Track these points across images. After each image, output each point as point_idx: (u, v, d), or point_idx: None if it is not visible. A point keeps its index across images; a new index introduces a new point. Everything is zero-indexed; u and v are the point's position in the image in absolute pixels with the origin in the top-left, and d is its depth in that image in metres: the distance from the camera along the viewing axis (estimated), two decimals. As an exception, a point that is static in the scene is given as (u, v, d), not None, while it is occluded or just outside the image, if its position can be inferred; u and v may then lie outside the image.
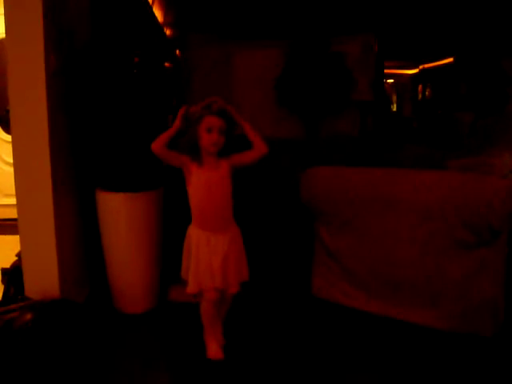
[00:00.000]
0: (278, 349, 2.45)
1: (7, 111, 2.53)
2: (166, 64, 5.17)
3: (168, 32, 6.37)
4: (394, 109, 12.83)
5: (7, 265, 2.85)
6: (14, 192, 2.58)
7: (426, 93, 10.57)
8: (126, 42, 2.72)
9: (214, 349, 2.33)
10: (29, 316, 2.29)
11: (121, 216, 2.73)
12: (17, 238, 2.60)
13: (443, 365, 2.28)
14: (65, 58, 2.73)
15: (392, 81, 12.59)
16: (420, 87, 10.91)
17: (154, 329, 2.69)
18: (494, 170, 2.74)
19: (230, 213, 2.26)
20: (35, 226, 2.59)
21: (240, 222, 2.32)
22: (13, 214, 2.68)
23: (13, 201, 2.66)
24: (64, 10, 2.73)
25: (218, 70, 6.60)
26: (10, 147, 2.57)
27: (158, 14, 5.45)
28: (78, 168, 2.95)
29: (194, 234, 2.24)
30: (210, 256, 2.17)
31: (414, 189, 2.52)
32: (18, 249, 2.69)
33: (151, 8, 4.95)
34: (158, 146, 2.15)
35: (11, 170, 2.57)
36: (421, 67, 10.80)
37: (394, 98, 13.01)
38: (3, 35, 2.50)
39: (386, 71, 9.05)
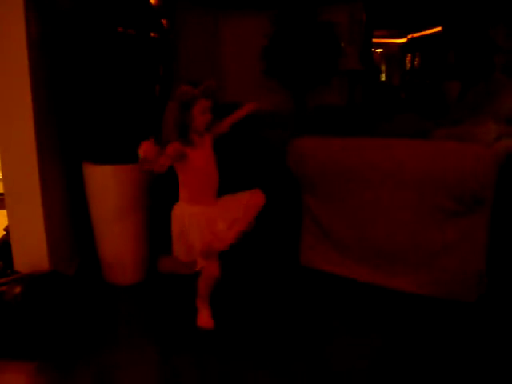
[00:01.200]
0: (265, 317, 2.50)
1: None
2: (152, 34, 5.07)
3: (153, 0, 6.22)
4: (383, 78, 12.75)
5: (-5, 239, 2.85)
6: (-1, 167, 2.57)
7: (415, 62, 10.50)
8: (109, 11, 2.66)
9: (206, 317, 2.38)
10: (18, 289, 2.30)
11: (108, 188, 2.73)
12: (4, 212, 2.60)
13: (427, 330, 2.35)
14: (47, 25, 2.66)
15: (381, 50, 12.47)
16: (409, 57, 10.82)
17: (143, 300, 2.73)
18: (479, 138, 2.75)
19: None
20: (22, 200, 2.58)
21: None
22: (-1, 188, 2.67)
23: (-1, 175, 2.65)
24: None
25: (205, 39, 6.50)
26: (-8, 121, 2.54)
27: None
28: (64, 141, 2.92)
29: (186, 211, 2.24)
30: (212, 225, 2.21)
31: (398, 158, 2.54)
32: (5, 223, 2.69)
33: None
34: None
35: (-5, 144, 2.54)
36: (409, 36, 10.68)
37: (384, 67, 12.91)
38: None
39: (374, 40, 8.96)
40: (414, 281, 2.61)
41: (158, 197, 3.05)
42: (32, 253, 2.61)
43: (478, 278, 2.48)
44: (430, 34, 9.23)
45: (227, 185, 2.34)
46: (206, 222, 2.20)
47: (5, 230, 2.80)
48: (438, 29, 8.56)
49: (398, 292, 2.65)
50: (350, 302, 2.66)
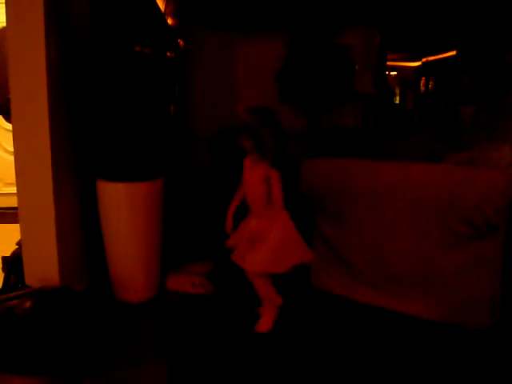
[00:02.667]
0: (276, 336, 2.48)
1: (8, 100, 2.54)
2: (168, 53, 5.15)
3: (170, 21, 6.35)
4: (397, 101, 12.78)
5: (8, 253, 2.87)
6: (14, 181, 2.60)
7: (429, 85, 10.52)
8: (127, 30, 2.71)
9: (267, 321, 2.53)
10: (28, 304, 2.32)
11: (121, 205, 2.75)
12: (17, 226, 2.63)
13: (437, 356, 2.30)
14: (66, 46, 2.73)
15: (395, 73, 12.52)
16: (423, 80, 10.85)
17: (153, 318, 2.72)
18: (493, 163, 2.73)
19: (263, 203, 2.44)
20: (35, 215, 2.61)
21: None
22: (14, 202, 2.70)
23: (14, 190, 2.68)
24: (65, -1, 2.73)
25: (221, 60, 6.59)
26: (11, 136, 2.59)
27: (160, 2, 5.42)
28: (79, 157, 2.96)
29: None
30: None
31: (411, 181, 2.52)
32: (18, 237, 2.72)
33: (153, -3, 4.94)
34: None
35: (12, 158, 2.59)
36: (424, 60, 10.73)
37: (397, 90, 12.95)
38: (4, 24, 2.50)
39: (389, 64, 9.01)
40: (424, 306, 2.56)
41: (170, 214, 3.07)
42: (43, 268, 2.63)
43: (490, 306, 2.43)
44: (445, 57, 9.26)
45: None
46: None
47: (17, 244, 2.82)
48: (453, 53, 8.59)
49: (410, 317, 2.60)
50: (360, 325, 2.62)
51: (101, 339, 2.44)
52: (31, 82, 2.48)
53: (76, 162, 2.93)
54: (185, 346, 2.40)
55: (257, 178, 2.39)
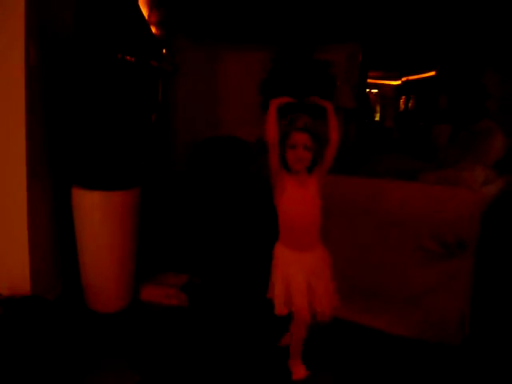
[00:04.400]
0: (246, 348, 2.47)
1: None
2: (152, 62, 5.14)
3: (155, 31, 6.36)
4: (378, 118, 12.97)
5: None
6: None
7: (409, 104, 10.72)
8: (109, 37, 2.70)
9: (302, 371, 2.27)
10: (-2, 311, 2.27)
11: (96, 214, 2.72)
12: (-12, 232, 2.58)
13: (408, 372, 2.32)
14: (46, 51, 2.71)
15: (376, 91, 12.73)
16: (403, 98, 11.06)
17: (125, 328, 2.68)
18: (466, 182, 2.80)
19: (318, 232, 2.17)
20: (8, 222, 2.57)
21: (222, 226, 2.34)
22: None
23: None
24: (46, 2, 2.71)
25: (204, 70, 6.62)
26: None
27: (145, 11, 5.43)
28: (55, 164, 2.93)
29: (280, 253, 2.14)
30: (299, 274, 2.07)
31: (386, 198, 2.57)
32: (-11, 243, 2.66)
33: (138, 5, 4.93)
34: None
35: (-14, 163, 2.55)
36: (404, 79, 10.94)
37: (378, 107, 13.15)
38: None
39: (370, 81, 9.16)
40: (397, 322, 2.60)
41: (146, 223, 3.04)
42: (14, 275, 2.58)
43: (461, 322, 2.47)
44: (425, 77, 9.46)
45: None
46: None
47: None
48: (432, 73, 8.79)
49: (382, 332, 2.63)
50: (330, 340, 2.63)
51: (72, 349, 2.40)
52: (8, 87, 2.45)
53: (51, 168, 2.90)
54: (157, 357, 2.38)
55: (312, 195, 2.10)
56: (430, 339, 2.51)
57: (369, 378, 2.28)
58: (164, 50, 6.68)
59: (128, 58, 2.78)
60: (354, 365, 2.39)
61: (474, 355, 2.45)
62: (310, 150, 2.03)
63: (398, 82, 11.49)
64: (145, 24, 5.72)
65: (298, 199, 2.08)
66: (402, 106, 11.19)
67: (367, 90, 9.80)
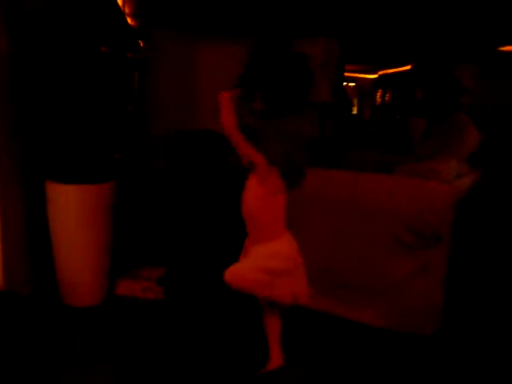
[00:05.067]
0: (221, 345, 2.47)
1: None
2: (128, 53, 5.07)
3: (131, 22, 6.26)
4: (355, 112, 13.08)
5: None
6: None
7: (386, 98, 10.83)
8: (84, 27, 2.65)
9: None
10: (-32, 308, 2.22)
11: (70, 208, 2.67)
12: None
13: (382, 362, 2.36)
14: (17, 41, 2.64)
15: (353, 84, 12.82)
16: (380, 92, 11.16)
17: (100, 323, 2.65)
18: (440, 175, 2.84)
19: (266, 225, 2.13)
20: (-21, 216, 2.51)
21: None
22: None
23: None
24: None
25: (181, 62, 6.55)
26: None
27: (120, 1, 5.34)
28: (28, 158, 2.86)
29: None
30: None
31: (361, 191, 2.59)
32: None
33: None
34: None
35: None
36: (380, 72, 11.04)
37: (355, 101, 13.26)
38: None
39: (347, 75, 9.21)
40: (372, 313, 2.63)
41: (122, 217, 3.01)
42: (-14, 271, 2.53)
43: (434, 312, 2.51)
44: (401, 71, 9.57)
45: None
46: None
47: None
48: (408, 67, 8.89)
49: (359, 323, 2.66)
50: (308, 331, 2.65)
51: (46, 344, 2.37)
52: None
53: (23, 162, 2.83)
54: (132, 351, 2.36)
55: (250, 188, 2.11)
56: (404, 330, 2.54)
57: (343, 368, 2.31)
58: (140, 42, 6.59)
59: (103, 48, 2.73)
60: (330, 355, 2.41)
61: (446, 345, 2.50)
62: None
63: (375, 76, 11.60)
64: (120, 15, 5.63)
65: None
66: (378, 99, 11.31)
67: (344, 83, 9.85)
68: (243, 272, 2.04)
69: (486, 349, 2.49)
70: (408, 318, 2.56)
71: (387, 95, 10.82)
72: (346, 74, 7.92)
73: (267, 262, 2.05)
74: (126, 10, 5.69)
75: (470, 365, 2.36)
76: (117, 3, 5.18)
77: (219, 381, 2.19)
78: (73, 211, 2.67)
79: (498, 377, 2.28)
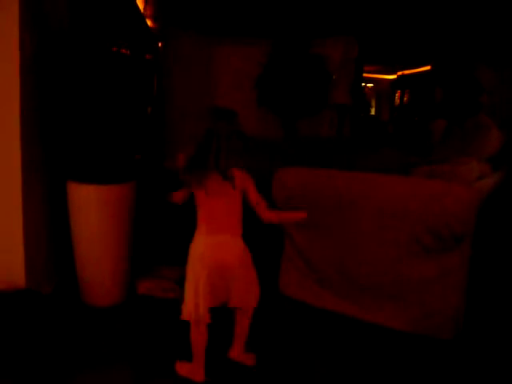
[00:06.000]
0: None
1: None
2: (147, 55, 5.10)
3: (150, 24, 6.32)
4: (373, 113, 13.00)
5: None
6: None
7: (404, 99, 10.74)
8: (105, 30, 2.68)
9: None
10: (-8, 306, 2.27)
11: (92, 208, 2.70)
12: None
13: (404, 365, 2.34)
14: (41, 44, 2.69)
15: (372, 85, 12.74)
16: (398, 93, 11.08)
17: (121, 323, 2.68)
18: (461, 177, 2.81)
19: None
20: (3, 215, 2.55)
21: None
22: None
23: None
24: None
25: (199, 64, 6.59)
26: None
27: (140, 4, 5.40)
28: (50, 159, 2.91)
29: None
30: None
31: (381, 193, 2.57)
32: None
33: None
34: None
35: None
36: (399, 73, 10.96)
37: (373, 102, 13.18)
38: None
39: (366, 75, 9.16)
40: (391, 316, 2.60)
41: (142, 217, 3.03)
42: (9, 269, 2.57)
43: (455, 316, 2.48)
44: (420, 72, 9.47)
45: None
46: None
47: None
48: (427, 67, 8.80)
49: (377, 326, 2.64)
50: (328, 334, 2.64)
51: (67, 344, 2.40)
52: (3, 79, 2.43)
53: (46, 163, 2.88)
54: (152, 351, 2.37)
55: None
56: (424, 333, 2.52)
57: (362, 372, 2.29)
58: (160, 44, 6.65)
59: (123, 51, 2.75)
60: (349, 359, 2.40)
61: (467, 350, 2.47)
62: None
63: (394, 77, 11.51)
64: (140, 17, 5.67)
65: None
66: (397, 100, 11.22)
67: (363, 84, 9.80)
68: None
69: (508, 353, 2.45)
70: (428, 321, 2.53)
71: (406, 96, 10.73)
72: (364, 74, 7.88)
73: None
74: (146, 13, 5.75)
75: (490, 370, 2.32)
76: (137, 6, 5.23)
77: (233, 378, 2.20)
78: (93, 211, 2.71)
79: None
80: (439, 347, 2.46)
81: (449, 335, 2.49)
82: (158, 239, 3.61)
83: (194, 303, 2.06)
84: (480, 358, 2.41)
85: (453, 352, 2.44)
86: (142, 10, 5.38)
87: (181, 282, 3.03)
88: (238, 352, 2.31)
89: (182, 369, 2.21)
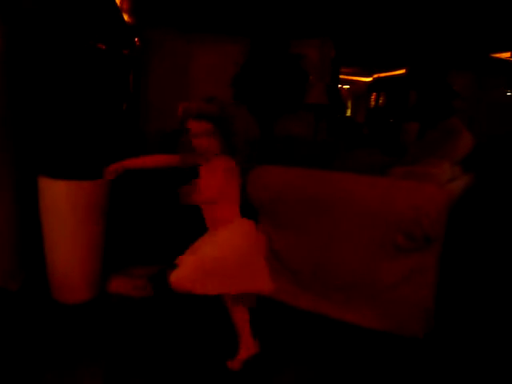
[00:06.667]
0: (217, 346, 2.46)
1: None
2: (124, 51, 5.04)
3: (127, 18, 6.24)
4: (349, 114, 13.13)
5: None
6: None
7: (380, 101, 10.89)
8: (81, 23, 2.64)
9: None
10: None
11: (63, 204, 2.65)
12: None
13: (374, 364, 2.37)
14: (12, 35, 2.61)
15: (348, 87, 12.87)
16: (374, 95, 11.22)
17: (91, 320, 2.64)
18: (434, 178, 2.86)
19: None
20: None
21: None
22: None
23: None
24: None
25: (177, 61, 6.54)
26: None
27: (117, -1, 5.32)
28: (21, 154, 2.84)
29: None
30: None
31: (354, 192, 2.60)
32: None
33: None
34: None
35: None
36: (375, 76, 11.10)
37: (350, 103, 13.31)
38: None
39: (342, 77, 9.26)
40: (365, 315, 2.63)
41: (116, 215, 2.99)
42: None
43: (426, 315, 2.52)
44: (395, 75, 9.62)
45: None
46: None
47: None
48: (403, 71, 8.94)
49: (352, 325, 2.66)
50: (303, 332, 2.65)
51: (36, 340, 2.35)
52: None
53: (14, 156, 2.80)
54: (122, 350, 2.35)
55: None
56: (395, 331, 2.55)
57: (333, 370, 2.31)
58: (136, 39, 6.57)
59: (99, 45, 2.72)
60: (321, 357, 2.42)
61: (437, 349, 2.51)
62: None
63: (370, 79, 11.66)
64: (117, 11, 5.60)
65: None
66: (372, 102, 11.36)
67: (339, 85, 9.89)
68: (184, 274, 1.98)
69: (478, 351, 2.50)
70: (400, 320, 2.56)
71: (381, 98, 10.88)
72: (340, 76, 7.95)
73: (210, 253, 2.02)
74: (123, 7, 5.67)
75: (461, 368, 2.37)
76: (113, 0, 5.16)
77: (206, 375, 2.19)
78: (65, 207, 2.66)
79: (490, 379, 2.29)
80: (410, 346, 2.50)
81: (419, 333, 2.53)
82: (132, 237, 3.56)
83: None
84: (450, 357, 2.46)
85: (423, 350, 2.48)
86: (118, 5, 5.32)
87: (153, 279, 3.01)
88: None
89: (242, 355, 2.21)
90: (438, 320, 2.61)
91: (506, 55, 7.30)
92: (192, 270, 1.99)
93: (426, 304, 2.54)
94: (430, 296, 2.55)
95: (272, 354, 2.40)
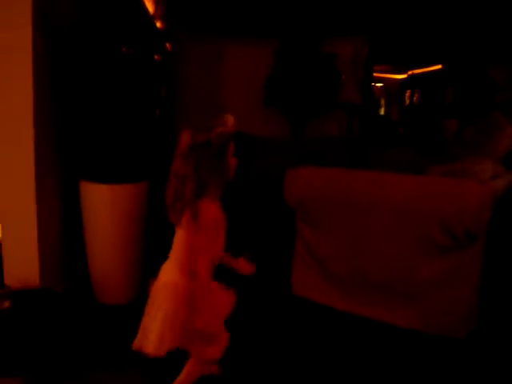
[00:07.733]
0: (252, 347, 2.46)
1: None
2: (156, 56, 5.11)
3: (159, 25, 6.34)
4: (382, 112, 12.93)
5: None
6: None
7: (414, 98, 10.67)
8: (114, 30, 2.70)
9: None
10: (7, 304, 2.28)
11: (104, 207, 2.72)
12: (-2, 225, 2.58)
13: (415, 364, 2.32)
14: (53, 46, 2.70)
15: (381, 85, 12.67)
16: (408, 92, 11.01)
17: (132, 321, 2.68)
18: (475, 176, 2.78)
19: None
20: (17, 215, 2.57)
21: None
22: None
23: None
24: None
25: (208, 65, 6.59)
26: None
27: (149, 5, 5.42)
28: (63, 157, 2.93)
29: None
30: None
31: (393, 192, 2.56)
32: (-2, 236, 2.67)
33: (142, -1, 4.91)
34: None
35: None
36: (409, 73, 10.89)
37: (383, 101, 13.11)
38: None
39: (375, 75, 9.12)
40: (402, 314, 2.59)
41: (155, 217, 3.03)
42: (23, 268, 2.59)
43: (467, 315, 2.46)
44: (430, 71, 9.41)
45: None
46: None
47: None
48: (438, 66, 8.73)
49: (390, 325, 2.62)
50: (339, 332, 2.63)
51: (79, 341, 2.41)
52: (17, 81, 2.45)
53: (59, 162, 2.89)
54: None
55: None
56: (435, 332, 2.50)
57: (373, 371, 2.28)
58: (168, 45, 6.66)
59: (132, 51, 2.77)
60: (361, 358, 2.39)
61: (480, 349, 2.44)
62: None
63: (404, 76, 11.44)
64: (149, 18, 5.70)
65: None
66: (407, 100, 11.14)
67: (372, 83, 9.76)
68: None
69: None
70: (439, 319, 2.51)
71: (416, 96, 10.66)
72: (374, 74, 7.84)
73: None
74: (156, 14, 5.76)
75: (502, 370, 2.29)
76: (145, 6, 5.26)
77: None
78: (106, 210, 2.72)
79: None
80: (451, 346, 2.44)
81: (461, 334, 2.47)
82: (170, 239, 3.60)
83: None
84: (492, 358, 2.39)
85: (464, 351, 2.42)
86: (151, 12, 5.41)
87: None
88: None
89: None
90: (481, 320, 2.54)
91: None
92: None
93: (468, 304, 2.48)
94: (472, 296, 2.49)
95: (308, 356, 2.39)
